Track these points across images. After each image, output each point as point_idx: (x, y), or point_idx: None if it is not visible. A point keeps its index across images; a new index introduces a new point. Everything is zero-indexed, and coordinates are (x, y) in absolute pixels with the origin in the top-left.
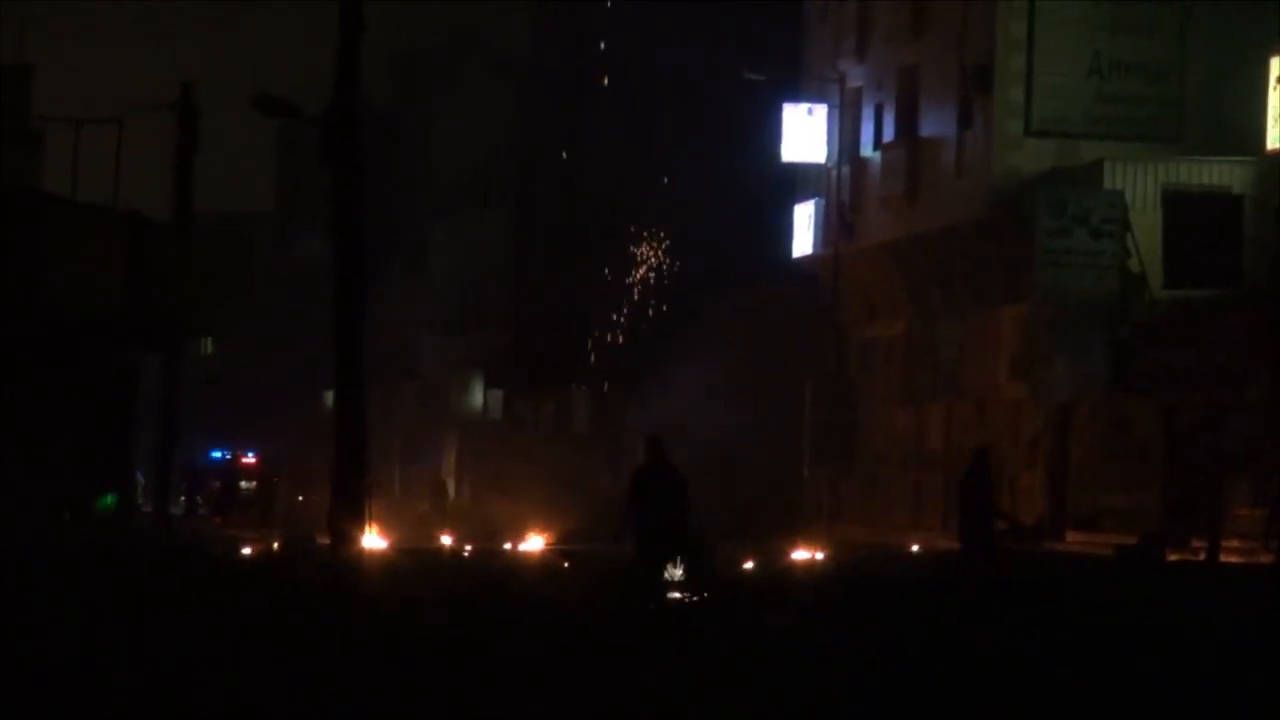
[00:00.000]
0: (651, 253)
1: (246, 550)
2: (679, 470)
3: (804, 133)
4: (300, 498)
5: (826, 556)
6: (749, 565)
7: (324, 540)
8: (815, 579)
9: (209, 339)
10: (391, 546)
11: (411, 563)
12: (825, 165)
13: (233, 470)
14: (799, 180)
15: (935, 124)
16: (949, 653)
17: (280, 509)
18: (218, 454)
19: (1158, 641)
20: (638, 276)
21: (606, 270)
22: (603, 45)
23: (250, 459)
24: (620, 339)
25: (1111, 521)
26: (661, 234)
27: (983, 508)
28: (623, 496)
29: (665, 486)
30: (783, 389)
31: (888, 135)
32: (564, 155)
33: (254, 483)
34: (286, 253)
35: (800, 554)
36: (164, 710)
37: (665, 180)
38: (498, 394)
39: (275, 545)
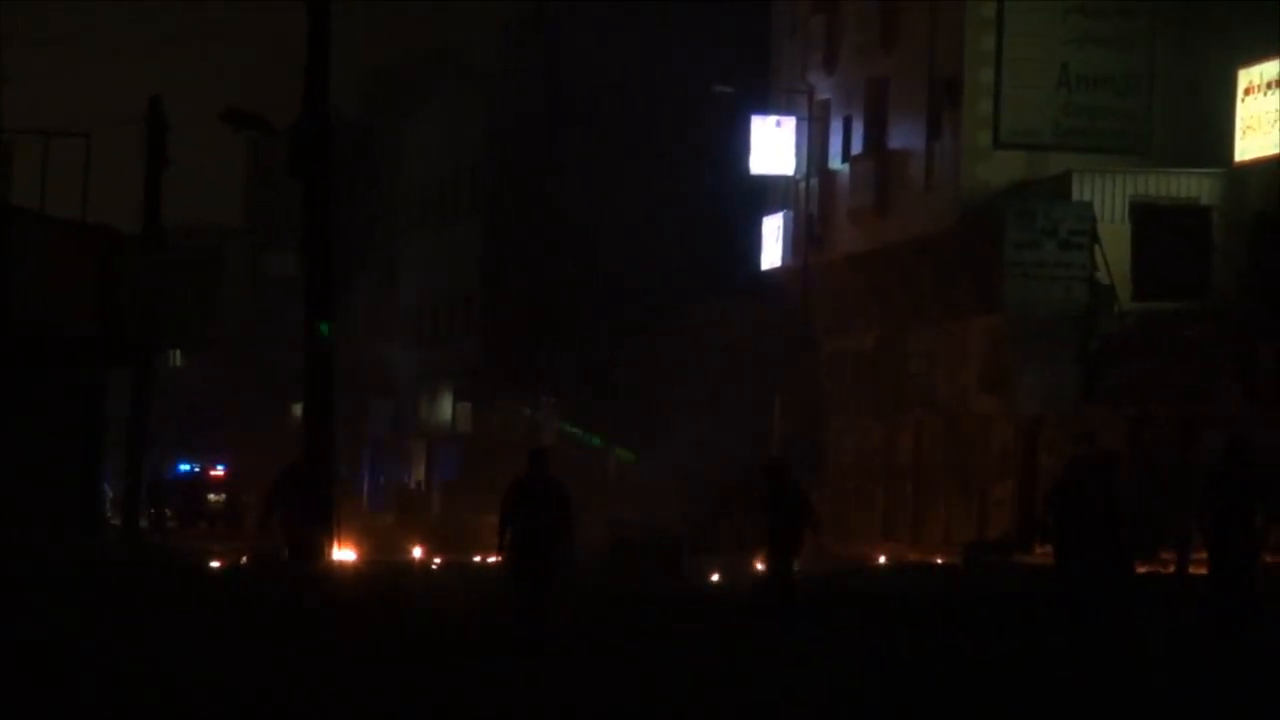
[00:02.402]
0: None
1: (215, 563)
2: (564, 486)
3: (772, 145)
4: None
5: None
6: (715, 577)
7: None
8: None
9: (178, 352)
10: (360, 559)
11: (375, 575)
12: (794, 177)
13: (200, 483)
14: (767, 192)
15: (904, 137)
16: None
17: (250, 522)
18: (186, 466)
19: (1124, 655)
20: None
21: (575, 283)
22: (571, 59)
23: (219, 471)
24: (589, 351)
25: None
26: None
27: (1114, 522)
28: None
29: (543, 503)
30: (752, 401)
31: (856, 148)
32: (533, 169)
33: (223, 495)
34: (256, 266)
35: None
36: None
37: (634, 192)
38: (467, 406)
39: (243, 558)
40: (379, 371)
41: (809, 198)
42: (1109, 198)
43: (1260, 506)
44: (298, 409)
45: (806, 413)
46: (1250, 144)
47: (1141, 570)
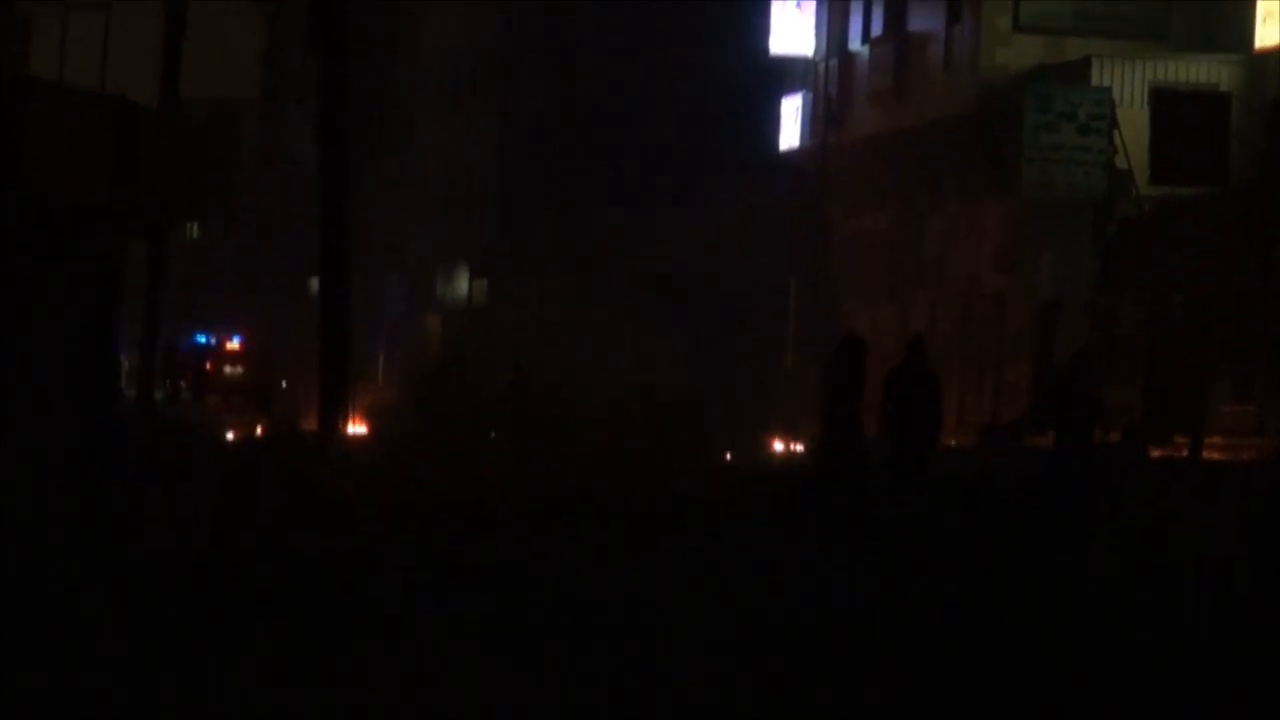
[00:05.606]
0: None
1: (230, 435)
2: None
3: (792, 26)
4: (284, 383)
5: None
6: (728, 456)
7: (309, 427)
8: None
9: (195, 225)
10: (371, 434)
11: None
12: (813, 59)
13: (216, 355)
14: (786, 73)
15: (924, 19)
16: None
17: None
18: (202, 338)
19: (1140, 536)
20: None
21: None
22: None
23: (235, 344)
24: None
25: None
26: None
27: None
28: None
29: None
30: (767, 281)
31: (876, 29)
32: (551, 47)
33: (239, 367)
34: (274, 140)
35: (777, 446)
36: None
37: (652, 71)
38: (483, 283)
39: (259, 431)
40: (395, 247)
41: (828, 79)
42: (1128, 83)
43: None
44: (315, 283)
45: (820, 293)
46: (1270, 31)
47: (1156, 454)
